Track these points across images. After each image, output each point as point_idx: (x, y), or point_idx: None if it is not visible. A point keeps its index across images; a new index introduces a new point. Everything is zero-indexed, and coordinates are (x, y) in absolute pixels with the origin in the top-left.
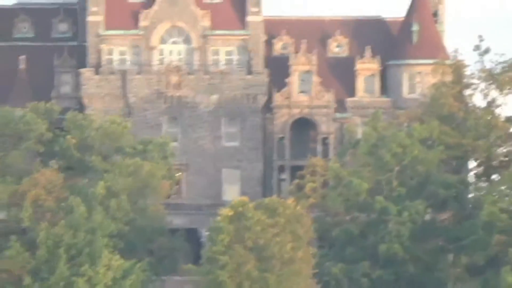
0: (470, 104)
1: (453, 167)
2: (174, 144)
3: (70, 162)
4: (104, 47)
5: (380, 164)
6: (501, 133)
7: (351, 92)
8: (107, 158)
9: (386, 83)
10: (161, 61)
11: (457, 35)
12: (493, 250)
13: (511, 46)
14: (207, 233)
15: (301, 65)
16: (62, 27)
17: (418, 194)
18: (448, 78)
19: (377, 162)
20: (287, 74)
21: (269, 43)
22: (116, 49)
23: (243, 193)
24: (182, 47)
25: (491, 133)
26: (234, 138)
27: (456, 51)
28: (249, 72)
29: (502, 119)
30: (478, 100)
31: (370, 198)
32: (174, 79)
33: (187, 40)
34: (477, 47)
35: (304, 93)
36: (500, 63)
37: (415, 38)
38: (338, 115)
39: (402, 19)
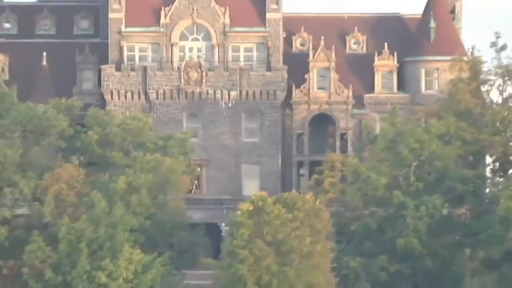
0: (487, 100)
1: (470, 162)
2: (195, 139)
3: (91, 158)
4: (125, 44)
5: (398, 160)
6: None
7: (369, 88)
8: (128, 153)
9: (404, 80)
10: (182, 58)
11: (474, 32)
12: (509, 245)
13: None
14: (227, 227)
15: (320, 62)
16: (83, 24)
17: (435, 189)
18: (465, 74)
19: (395, 157)
20: (306, 71)
21: (288, 40)
22: (137, 46)
23: (262, 188)
24: (202, 43)
25: (507, 128)
26: (253, 134)
27: (473, 47)
28: (269, 69)
29: None
30: (495, 96)
31: (388, 193)
32: (194, 75)
33: (207, 37)
34: (493, 44)
35: (322, 89)
36: None
37: (432, 34)
38: (356, 111)
39: (420, 16)
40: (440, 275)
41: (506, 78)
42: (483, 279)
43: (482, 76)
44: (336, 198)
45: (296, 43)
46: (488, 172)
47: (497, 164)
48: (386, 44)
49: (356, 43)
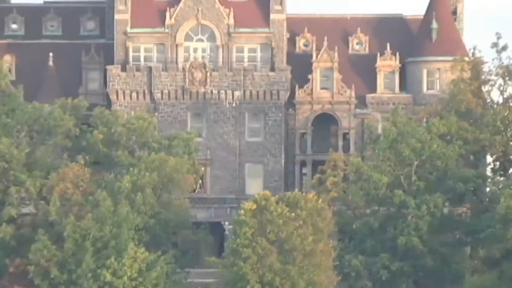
0: (488, 100)
1: (471, 161)
2: (199, 139)
3: (97, 157)
4: (130, 44)
5: (399, 159)
6: None
7: (372, 88)
8: (133, 153)
9: (406, 80)
10: (186, 58)
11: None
12: (509, 243)
13: None
14: (230, 226)
15: (323, 62)
16: (89, 25)
17: (436, 188)
18: (467, 74)
19: (396, 157)
20: (309, 71)
21: (291, 41)
22: (142, 47)
23: (265, 187)
24: (206, 44)
25: (508, 128)
26: (257, 134)
27: (474, 48)
28: (272, 69)
29: None
30: (496, 96)
31: (389, 192)
32: (199, 75)
33: (211, 38)
34: (495, 44)
35: (325, 89)
36: None
37: (434, 35)
38: (358, 111)
39: (422, 17)
40: (441, 273)
41: (507, 78)
42: (483, 277)
43: (483, 77)
44: (338, 197)
45: (300, 44)
46: (488, 171)
47: (498, 163)
48: (388, 44)
49: (359, 44)
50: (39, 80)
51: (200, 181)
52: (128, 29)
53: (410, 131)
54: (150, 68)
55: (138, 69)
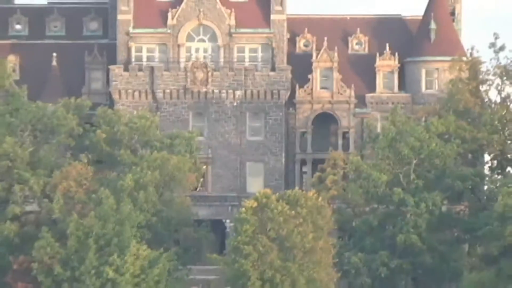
0: (486, 100)
1: (469, 160)
2: (200, 138)
3: (99, 156)
4: (133, 44)
5: (398, 158)
6: None
7: (371, 88)
8: (136, 151)
9: (405, 79)
10: (188, 58)
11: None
12: (507, 241)
13: None
14: (231, 224)
15: (323, 62)
16: (92, 26)
17: (435, 186)
18: (465, 74)
19: (395, 155)
20: (309, 71)
21: (292, 41)
22: (144, 47)
23: (266, 185)
24: (208, 44)
25: (505, 127)
26: (258, 133)
27: (472, 48)
28: (273, 69)
29: None
30: (493, 96)
31: (388, 190)
32: (200, 75)
33: (213, 38)
34: (492, 45)
35: (325, 89)
36: None
37: (433, 36)
38: (358, 110)
39: (421, 17)
40: (439, 270)
41: (505, 78)
42: (481, 274)
43: (481, 76)
44: (338, 195)
45: (300, 44)
46: (486, 170)
47: (495, 162)
48: (387, 45)
49: (358, 44)
50: (42, 80)
51: (202, 179)
52: (131, 30)
53: (409, 130)
54: (152, 68)
55: (140, 69)
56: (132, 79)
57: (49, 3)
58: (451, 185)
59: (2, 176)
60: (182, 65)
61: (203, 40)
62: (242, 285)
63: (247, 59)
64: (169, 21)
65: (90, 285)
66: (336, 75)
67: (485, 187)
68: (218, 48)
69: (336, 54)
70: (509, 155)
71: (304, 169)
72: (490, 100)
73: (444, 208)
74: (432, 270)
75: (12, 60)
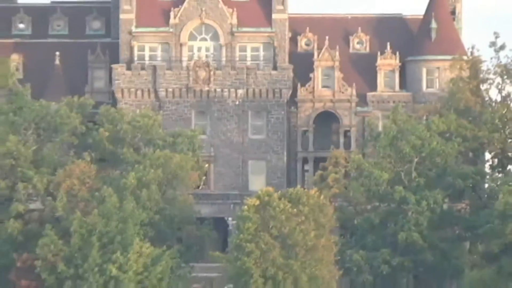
0: (486, 98)
1: (469, 158)
2: (203, 136)
3: (102, 154)
4: (135, 43)
5: (400, 156)
6: None
7: (372, 86)
8: (138, 150)
9: (406, 78)
10: (190, 57)
11: (474, 32)
12: (508, 238)
13: None
14: (234, 222)
15: (324, 61)
16: (95, 25)
17: (436, 185)
18: (465, 73)
19: (397, 154)
20: (311, 70)
21: (293, 40)
22: (147, 46)
23: (268, 183)
24: (210, 43)
25: (506, 126)
26: (260, 131)
27: (473, 47)
28: (275, 68)
29: None
30: (494, 94)
31: (390, 188)
32: (202, 74)
33: (215, 37)
34: (493, 44)
35: (327, 87)
36: None
37: (433, 35)
38: (359, 108)
39: (421, 16)
40: (440, 268)
41: (505, 77)
42: (482, 271)
43: (481, 75)
44: (339, 193)
45: (301, 43)
46: (487, 168)
47: (496, 160)
48: (388, 44)
49: (360, 43)
50: (46, 79)
51: (204, 177)
52: (133, 29)
53: (410, 129)
54: (154, 67)
55: (143, 68)
56: (134, 78)
57: (52, 2)
58: (452, 183)
59: (6, 174)
60: (184, 64)
61: (205, 39)
62: (245, 283)
63: (249, 58)
64: (172, 20)
65: (93, 282)
66: (337, 74)
67: (486, 185)
68: (220, 47)
69: (337, 53)
70: (509, 153)
71: (306, 167)
72: (490, 98)
73: (445, 206)
74: (433, 267)
75: (15, 59)
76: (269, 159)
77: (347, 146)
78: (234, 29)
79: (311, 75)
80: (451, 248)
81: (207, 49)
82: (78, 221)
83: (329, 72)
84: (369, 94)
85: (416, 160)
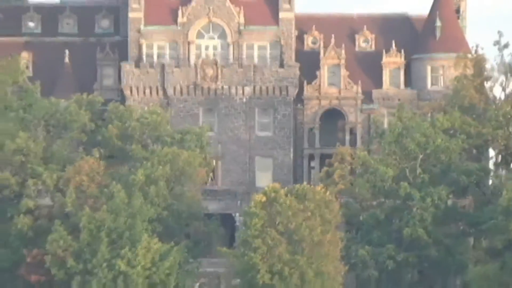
0: (490, 96)
1: (474, 155)
2: (210, 133)
3: (111, 151)
4: (144, 42)
5: (405, 153)
6: None
7: (378, 84)
8: (147, 147)
9: (411, 76)
10: (198, 55)
11: (478, 31)
12: (511, 234)
13: None
14: (241, 218)
15: (331, 59)
16: (104, 23)
17: (440, 181)
18: (470, 71)
19: (402, 150)
20: (317, 68)
21: (300, 38)
22: (155, 44)
23: (275, 180)
24: (218, 42)
25: (510, 123)
26: (266, 128)
27: (477, 45)
28: (281, 66)
29: None
30: (498, 92)
31: (395, 185)
32: (210, 72)
33: (222, 35)
34: (497, 42)
35: (333, 85)
36: None
37: (438, 33)
38: (365, 106)
39: (426, 15)
40: (445, 263)
41: (509, 74)
42: (486, 267)
43: (485, 73)
44: (345, 190)
45: (308, 41)
46: (491, 165)
47: (500, 157)
48: (393, 42)
49: (365, 41)
50: (55, 76)
51: (212, 174)
52: (142, 27)
53: (415, 126)
54: (163, 65)
55: (151, 66)
56: (143, 75)
57: (61, 1)
58: (456, 179)
59: (16, 171)
60: (192, 62)
61: (213, 38)
62: (252, 278)
63: (256, 56)
64: (180, 19)
65: (102, 277)
66: (343, 71)
67: (490, 182)
68: (228, 45)
69: (343, 51)
70: None
71: (312, 164)
72: (494, 96)
73: (449, 202)
74: (438, 263)
75: (25, 57)
76: (276, 156)
77: (353, 143)
78: (242, 28)
79: (317, 73)
80: (455, 244)
81: (215, 47)
82: (87, 217)
83: (335, 70)
84: (375, 92)
85: (421, 156)
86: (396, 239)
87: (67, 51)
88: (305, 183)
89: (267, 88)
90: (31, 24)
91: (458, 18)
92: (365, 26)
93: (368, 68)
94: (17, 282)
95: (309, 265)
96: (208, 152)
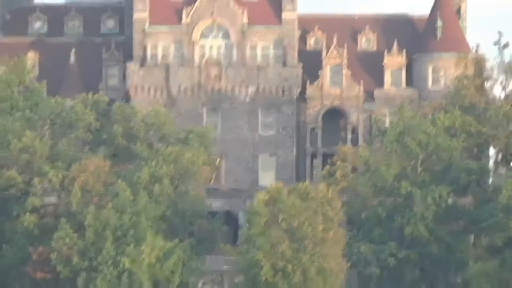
0: (490, 95)
1: (474, 154)
2: (214, 133)
3: (116, 150)
4: (148, 42)
5: (406, 152)
6: None
7: (379, 84)
8: (151, 146)
9: (412, 76)
10: (202, 55)
11: (479, 31)
12: (511, 232)
13: None
14: (244, 216)
15: (333, 59)
16: (109, 24)
17: (441, 180)
18: (470, 71)
19: (403, 149)
20: (319, 67)
21: (303, 39)
22: (160, 44)
23: (278, 178)
24: (221, 42)
25: (510, 122)
26: (270, 127)
27: (477, 45)
28: (284, 66)
29: None
30: (498, 92)
31: (396, 183)
32: (214, 72)
33: (226, 36)
34: (497, 42)
35: (335, 85)
36: None
37: (439, 33)
38: (367, 105)
39: (427, 16)
40: (446, 260)
41: (509, 74)
42: (486, 264)
43: (485, 73)
44: (347, 188)
45: (310, 42)
46: (491, 163)
47: (500, 155)
48: (395, 42)
49: (367, 42)
50: (61, 76)
51: (215, 172)
52: (146, 27)
53: (416, 125)
54: (167, 65)
55: (156, 66)
56: (147, 75)
57: (67, 2)
58: (457, 178)
59: (22, 169)
60: (196, 62)
61: (217, 38)
62: (255, 275)
63: (259, 56)
64: (184, 19)
65: (107, 274)
66: (345, 71)
67: (490, 180)
68: (231, 46)
69: (345, 51)
70: None
71: (315, 162)
72: (494, 96)
73: (450, 201)
74: (439, 260)
75: (31, 57)
76: (279, 155)
77: (355, 142)
78: (245, 28)
79: (319, 72)
80: (456, 242)
81: (219, 48)
82: (92, 215)
83: (337, 70)
84: (376, 91)
85: (422, 155)
86: (397, 236)
87: (73, 51)
88: (307, 181)
89: (270, 88)
90: (37, 24)
91: (459, 18)
92: (367, 27)
93: (370, 68)
94: (23, 279)
95: (311, 262)
96: (212, 151)
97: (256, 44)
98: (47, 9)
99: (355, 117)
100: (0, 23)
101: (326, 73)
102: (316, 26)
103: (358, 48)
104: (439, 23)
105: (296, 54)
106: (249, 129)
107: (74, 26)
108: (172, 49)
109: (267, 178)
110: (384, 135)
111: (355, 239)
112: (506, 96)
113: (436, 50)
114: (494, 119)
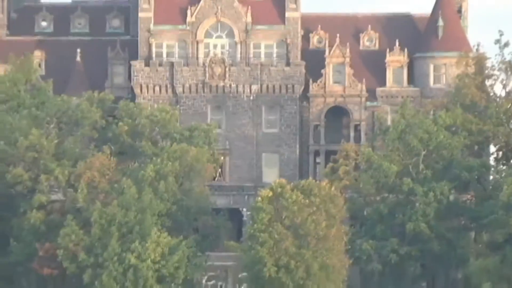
0: (491, 94)
1: (475, 151)
2: (218, 130)
3: (122, 147)
4: (153, 41)
5: (408, 149)
6: None
7: (381, 82)
8: (156, 143)
9: (414, 74)
10: (206, 54)
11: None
12: (511, 228)
13: None
14: (248, 212)
15: (336, 58)
16: (115, 23)
17: (443, 177)
18: (471, 69)
19: (405, 147)
20: (322, 66)
21: (306, 37)
22: (165, 43)
23: (281, 175)
24: (225, 41)
25: (510, 120)
26: (273, 125)
27: (478, 44)
28: (288, 64)
29: None
30: (499, 90)
31: (398, 180)
32: (218, 70)
33: (230, 35)
34: (497, 41)
35: (338, 83)
36: None
37: (440, 32)
38: (369, 103)
39: (429, 15)
40: (447, 257)
41: (509, 73)
42: (487, 260)
43: (486, 71)
44: (350, 185)
45: (313, 40)
46: (492, 161)
47: (501, 153)
48: (397, 41)
49: (369, 40)
50: (67, 75)
51: (220, 170)
52: (151, 27)
53: (418, 123)
54: (172, 63)
55: (160, 64)
56: (152, 74)
57: (73, 1)
58: (458, 175)
59: (29, 167)
60: (200, 60)
61: (221, 37)
62: (258, 271)
63: (263, 55)
64: (188, 19)
65: (113, 270)
66: (348, 70)
67: (491, 177)
68: (235, 44)
69: (348, 50)
70: None
71: (318, 160)
72: (495, 94)
73: (451, 197)
74: (440, 256)
75: (38, 55)
76: (282, 152)
77: (357, 139)
78: (249, 27)
79: (322, 71)
80: (457, 238)
81: (223, 46)
82: (98, 212)
83: (340, 68)
84: (378, 90)
85: (423, 153)
86: (399, 233)
87: (78, 50)
88: (310, 178)
89: (273, 86)
90: (43, 23)
91: (460, 17)
92: (369, 26)
93: (372, 66)
94: (30, 275)
95: (314, 258)
96: (216, 148)
97: (259, 43)
98: (53, 8)
99: (357, 115)
100: (7, 22)
101: (329, 71)
102: (319, 25)
103: (361, 47)
104: (440, 22)
105: (299, 52)
106: (253, 127)
107: (80, 25)
108: (176, 48)
109: (270, 175)
110: (386, 133)
111: (358, 235)
112: (507, 94)
113: (438, 49)
114: (495, 117)
